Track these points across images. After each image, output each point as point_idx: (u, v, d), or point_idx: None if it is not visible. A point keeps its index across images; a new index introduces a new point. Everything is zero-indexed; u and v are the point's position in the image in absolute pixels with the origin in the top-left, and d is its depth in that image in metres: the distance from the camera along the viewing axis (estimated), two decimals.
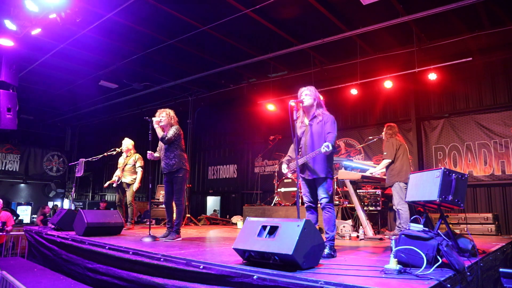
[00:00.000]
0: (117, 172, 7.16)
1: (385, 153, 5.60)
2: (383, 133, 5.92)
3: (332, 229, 3.64)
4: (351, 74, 8.71)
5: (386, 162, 5.57)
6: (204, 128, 12.50)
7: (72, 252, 4.86)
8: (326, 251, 3.44)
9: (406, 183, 5.35)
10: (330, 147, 3.38)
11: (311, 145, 3.72)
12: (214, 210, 11.65)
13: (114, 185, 7.12)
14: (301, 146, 3.84)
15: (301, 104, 3.83)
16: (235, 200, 11.06)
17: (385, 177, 5.79)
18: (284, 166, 4.04)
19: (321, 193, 3.66)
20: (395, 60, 8.29)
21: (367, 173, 5.96)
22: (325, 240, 3.50)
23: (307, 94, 3.81)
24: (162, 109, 5.25)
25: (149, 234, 4.85)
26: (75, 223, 5.50)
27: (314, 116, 3.79)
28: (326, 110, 3.89)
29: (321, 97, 3.91)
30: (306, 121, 3.87)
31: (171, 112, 5.25)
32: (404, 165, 5.51)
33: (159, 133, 5.05)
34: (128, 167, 7.09)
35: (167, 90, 11.55)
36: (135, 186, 6.99)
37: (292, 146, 3.95)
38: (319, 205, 3.81)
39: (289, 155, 4.07)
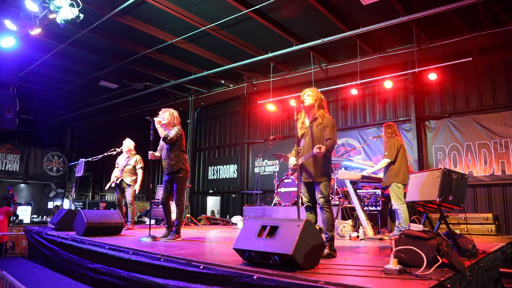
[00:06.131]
0: (115, 173, 7.14)
1: (386, 153, 5.59)
2: (383, 133, 5.91)
3: (331, 229, 3.65)
4: (351, 74, 8.72)
5: (386, 161, 5.56)
6: (204, 128, 12.51)
7: (72, 252, 4.86)
8: (326, 251, 3.45)
9: (404, 184, 5.37)
10: (322, 149, 3.44)
11: (310, 148, 3.73)
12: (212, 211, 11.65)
13: (113, 185, 7.10)
14: (300, 148, 3.85)
15: (302, 104, 3.84)
16: (235, 200, 11.06)
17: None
18: (292, 159, 3.96)
19: (318, 194, 3.70)
20: (395, 60, 8.30)
21: (364, 173, 5.96)
22: (324, 240, 3.52)
23: (309, 95, 3.83)
24: (166, 109, 5.26)
25: (149, 234, 4.85)
26: (75, 223, 5.49)
27: (314, 118, 3.80)
28: (328, 112, 3.90)
29: (323, 98, 3.92)
30: (307, 122, 3.88)
31: (175, 113, 5.26)
32: (402, 166, 5.51)
33: (161, 132, 5.06)
34: (128, 168, 7.07)
35: (167, 90, 11.56)
36: (136, 187, 6.97)
37: (294, 147, 3.97)
38: (318, 205, 3.83)
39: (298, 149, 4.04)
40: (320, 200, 3.67)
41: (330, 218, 3.66)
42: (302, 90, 3.98)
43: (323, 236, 3.59)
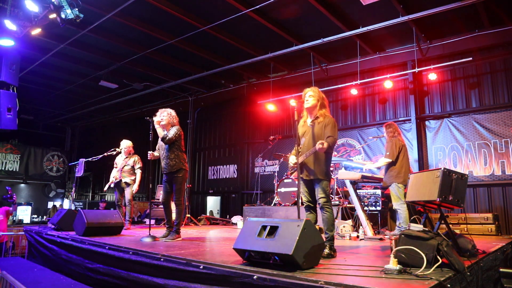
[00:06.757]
0: (114, 173, 7.17)
1: (387, 153, 5.58)
2: (385, 133, 5.90)
3: (331, 229, 3.66)
4: (351, 74, 8.72)
5: (386, 161, 5.56)
6: (204, 128, 12.51)
7: (72, 252, 4.86)
8: (326, 251, 3.46)
9: (404, 185, 5.36)
10: (325, 145, 3.44)
11: (311, 146, 3.75)
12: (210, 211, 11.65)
13: (112, 185, 7.12)
14: (301, 146, 3.86)
15: (304, 105, 3.87)
16: (235, 200, 11.05)
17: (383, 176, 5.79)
18: (292, 158, 3.96)
19: (319, 193, 3.70)
20: (395, 60, 8.30)
21: (364, 168, 5.96)
22: (324, 240, 3.52)
23: (311, 95, 3.85)
24: (163, 109, 5.25)
25: (149, 234, 4.85)
26: (75, 223, 5.50)
27: (316, 117, 3.83)
28: (329, 111, 3.93)
29: (325, 97, 3.94)
30: (308, 121, 3.91)
31: (173, 112, 5.26)
32: (403, 166, 5.50)
33: (160, 133, 5.06)
34: (127, 168, 7.10)
35: (167, 90, 11.56)
36: (134, 187, 7.00)
37: (295, 147, 3.99)
38: (318, 205, 3.84)
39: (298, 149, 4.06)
40: (321, 200, 3.67)
41: (331, 217, 3.67)
42: (302, 90, 3.99)
43: (323, 236, 3.60)
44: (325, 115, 3.81)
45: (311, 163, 3.73)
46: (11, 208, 8.44)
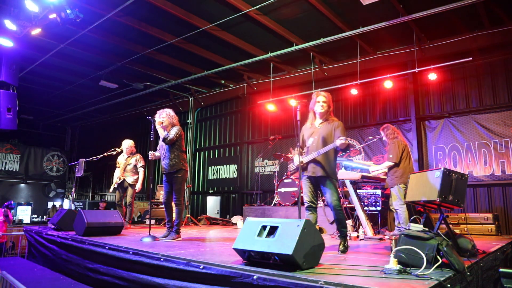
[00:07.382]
0: (117, 173, 7.18)
1: (390, 156, 5.54)
2: (384, 136, 5.87)
3: (345, 226, 3.88)
4: (351, 74, 8.71)
5: (390, 164, 5.53)
6: (204, 128, 12.51)
7: (72, 252, 4.86)
8: (342, 247, 3.74)
9: (406, 185, 5.35)
10: (345, 140, 3.60)
11: (320, 146, 3.84)
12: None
13: (116, 185, 7.14)
14: (308, 146, 3.91)
15: (315, 109, 3.99)
16: (235, 200, 11.05)
17: (385, 177, 5.77)
18: (297, 157, 4.03)
19: (331, 195, 3.81)
20: (395, 60, 8.30)
21: (371, 173, 5.92)
22: (338, 236, 3.66)
23: (325, 102, 3.96)
24: (162, 110, 5.26)
25: (149, 234, 4.85)
26: (75, 223, 5.50)
27: (326, 119, 3.98)
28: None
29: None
30: (316, 123, 4.01)
31: (171, 112, 5.26)
32: (406, 168, 5.48)
33: (161, 133, 5.07)
34: (130, 167, 7.12)
35: (167, 90, 11.56)
36: (138, 187, 7.01)
37: (297, 148, 4.06)
38: (318, 205, 3.87)
39: (300, 150, 4.12)
40: (334, 203, 3.81)
41: (344, 217, 3.89)
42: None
43: (338, 233, 3.75)
44: (333, 118, 4.00)
45: (322, 161, 3.83)
46: (9, 216, 8.50)
